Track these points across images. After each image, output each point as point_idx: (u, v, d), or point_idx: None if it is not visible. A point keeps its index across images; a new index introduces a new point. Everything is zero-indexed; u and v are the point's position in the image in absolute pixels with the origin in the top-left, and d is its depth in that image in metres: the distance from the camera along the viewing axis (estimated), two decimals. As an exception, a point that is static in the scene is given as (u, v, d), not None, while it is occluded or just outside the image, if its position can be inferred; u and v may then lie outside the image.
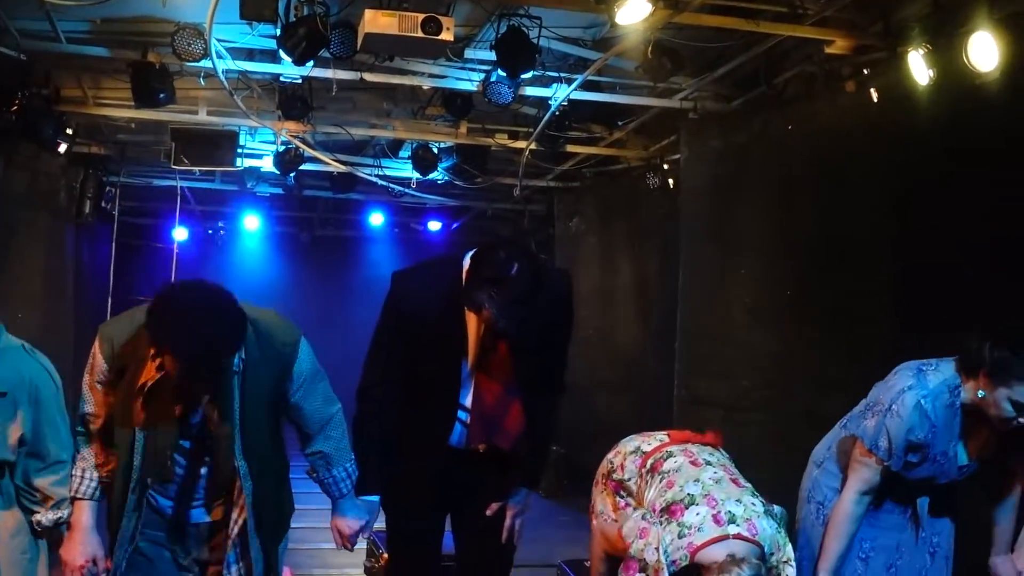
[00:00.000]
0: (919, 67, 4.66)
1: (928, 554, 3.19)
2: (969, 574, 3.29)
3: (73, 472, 2.88)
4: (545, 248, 10.61)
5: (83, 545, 2.84)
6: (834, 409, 5.16)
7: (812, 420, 5.23)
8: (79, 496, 2.86)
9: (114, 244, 9.59)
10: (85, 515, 2.86)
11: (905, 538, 3.18)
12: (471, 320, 2.99)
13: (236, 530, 2.79)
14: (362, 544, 5.14)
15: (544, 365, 3.14)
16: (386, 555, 4.71)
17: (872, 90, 5.14)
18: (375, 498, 3.14)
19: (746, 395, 5.85)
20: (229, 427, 2.71)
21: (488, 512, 3.18)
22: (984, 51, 4.29)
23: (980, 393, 2.89)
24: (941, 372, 2.99)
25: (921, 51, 4.64)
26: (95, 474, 2.85)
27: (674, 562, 2.76)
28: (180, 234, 10.71)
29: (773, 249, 5.87)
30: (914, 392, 2.96)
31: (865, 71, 5.28)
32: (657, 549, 2.78)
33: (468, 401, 3.08)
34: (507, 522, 3.21)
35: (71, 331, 8.07)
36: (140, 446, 2.70)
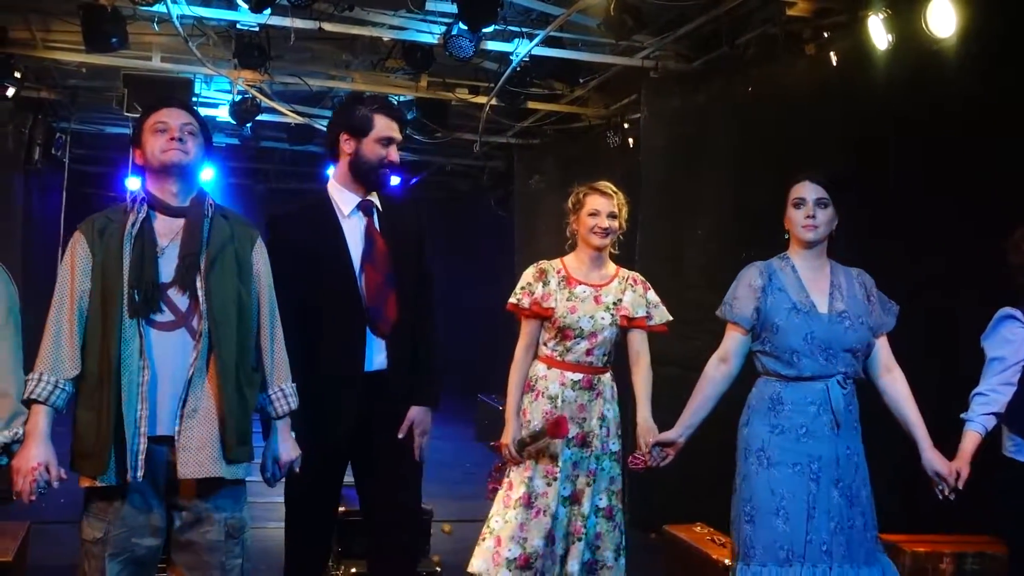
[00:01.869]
0: (878, 31, 4.69)
1: (854, 468, 3.22)
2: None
3: (29, 376, 2.73)
4: (504, 205, 10.61)
5: (36, 448, 2.67)
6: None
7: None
8: (34, 398, 2.70)
9: (64, 192, 9.40)
10: (42, 421, 2.71)
11: (840, 450, 3.19)
12: (350, 229, 3.34)
13: (190, 374, 2.73)
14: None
15: (414, 281, 3.44)
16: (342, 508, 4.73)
17: (832, 53, 5.17)
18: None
19: (699, 355, 5.89)
20: (195, 250, 2.78)
21: (400, 434, 3.38)
22: (942, 17, 4.34)
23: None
24: None
25: (881, 15, 4.67)
26: (54, 378, 2.71)
27: (548, 261, 3.88)
28: (133, 184, 10.52)
29: (730, 210, 5.91)
30: (747, 265, 3.39)
31: (826, 34, 5.31)
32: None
33: (370, 314, 3.30)
34: (421, 441, 3.42)
35: (19, 280, 7.91)
36: (126, 282, 2.72)
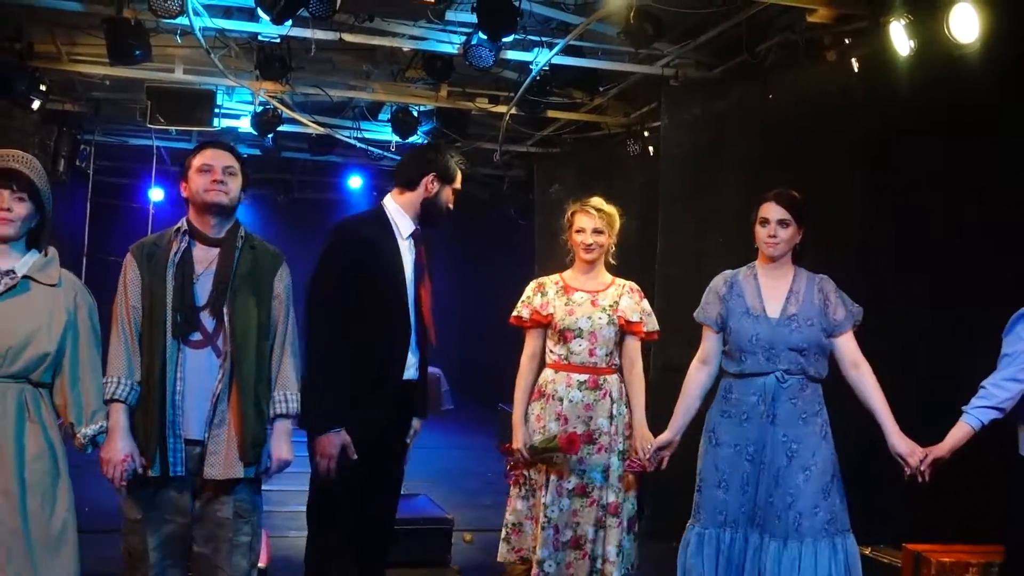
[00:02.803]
0: (900, 37, 4.66)
1: (786, 455, 3.50)
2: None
3: (106, 379, 3.11)
4: (524, 214, 10.60)
5: (123, 441, 3.08)
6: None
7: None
8: (116, 398, 3.09)
9: (89, 203, 9.49)
10: (122, 416, 3.10)
11: (769, 437, 3.51)
12: (405, 250, 3.58)
13: (218, 389, 3.13)
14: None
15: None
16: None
17: (853, 60, 5.14)
18: (340, 430, 3.38)
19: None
20: (224, 279, 3.17)
21: (409, 440, 3.69)
22: (965, 22, 4.30)
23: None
24: None
25: (902, 21, 4.64)
26: (129, 381, 3.12)
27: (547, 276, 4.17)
28: (156, 194, 10.60)
29: (750, 218, 5.87)
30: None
31: (847, 40, 5.28)
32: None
33: (414, 324, 3.56)
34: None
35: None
36: (170, 305, 3.12)
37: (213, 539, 3.18)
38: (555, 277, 4.19)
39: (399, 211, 3.64)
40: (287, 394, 3.28)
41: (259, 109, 7.84)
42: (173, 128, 8.12)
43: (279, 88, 7.17)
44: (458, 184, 3.72)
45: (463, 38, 6.06)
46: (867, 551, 4.05)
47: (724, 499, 3.56)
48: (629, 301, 4.09)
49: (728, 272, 3.75)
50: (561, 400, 4.01)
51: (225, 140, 3.58)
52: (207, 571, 3.20)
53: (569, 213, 4.19)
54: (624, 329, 4.06)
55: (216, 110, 7.86)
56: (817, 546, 3.43)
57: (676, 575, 3.65)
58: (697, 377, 3.72)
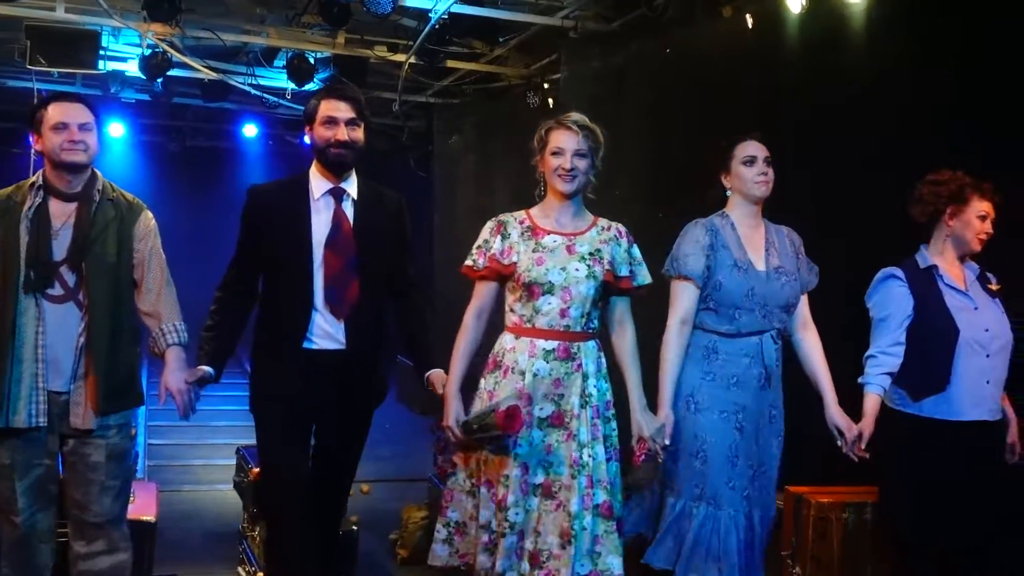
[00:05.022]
0: (793, -5, 4.76)
1: (769, 420, 3.37)
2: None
3: None
4: (423, 165, 10.53)
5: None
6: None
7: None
8: None
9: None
10: None
11: (763, 404, 3.34)
12: (319, 212, 3.36)
13: (80, 342, 3.16)
14: (231, 460, 5.13)
15: (391, 264, 3.48)
16: (256, 469, 4.69)
17: (748, 16, 5.23)
18: (209, 369, 3.34)
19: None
20: (83, 233, 3.16)
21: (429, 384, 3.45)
22: (854, -20, 4.41)
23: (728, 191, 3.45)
24: None
25: (795, -21, 4.73)
26: None
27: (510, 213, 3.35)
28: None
29: (647, 171, 5.97)
30: (689, 223, 3.44)
31: (742, -3, 5.36)
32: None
33: (321, 297, 3.32)
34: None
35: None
36: (24, 261, 3.10)
37: (84, 483, 3.22)
38: (520, 214, 3.33)
39: (314, 173, 3.44)
40: (172, 324, 3.33)
41: (147, 52, 7.52)
42: (55, 70, 7.74)
43: (168, 31, 6.91)
44: (324, 113, 3.36)
45: (361, -17, 5.94)
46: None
47: (702, 470, 3.27)
48: (616, 249, 3.27)
49: (703, 220, 3.41)
50: (523, 374, 3.17)
51: (75, 93, 3.48)
52: (78, 513, 3.24)
53: (543, 131, 3.32)
54: (610, 284, 3.25)
55: (101, 52, 7.50)
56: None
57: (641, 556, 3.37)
58: (680, 340, 3.31)
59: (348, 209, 3.39)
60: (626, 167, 6.14)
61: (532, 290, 3.18)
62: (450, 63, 7.77)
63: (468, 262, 3.33)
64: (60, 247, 3.17)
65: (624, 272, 3.27)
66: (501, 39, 7.29)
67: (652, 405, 3.30)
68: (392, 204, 3.52)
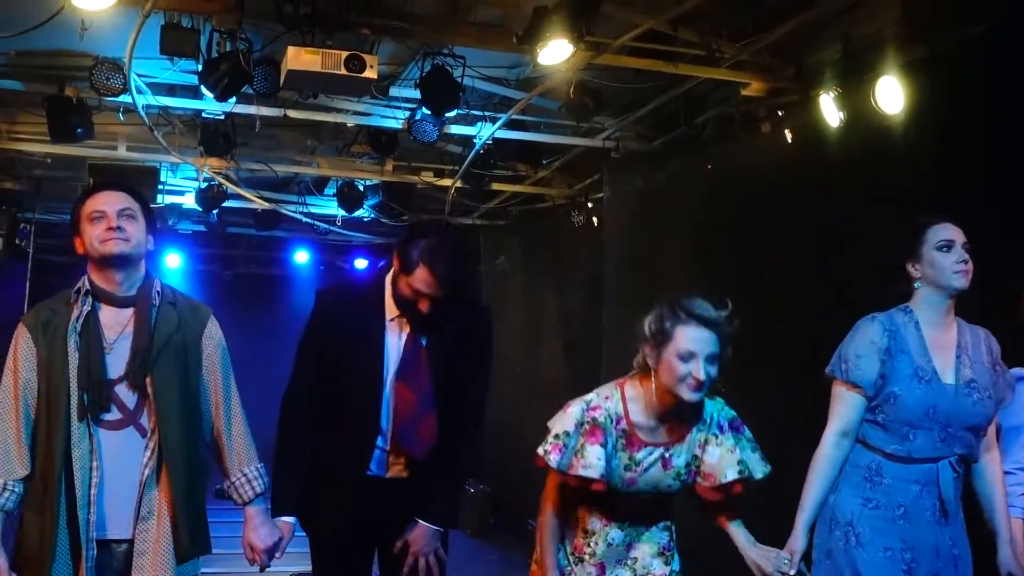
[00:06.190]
0: (830, 109, 4.82)
1: (952, 566, 2.86)
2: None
3: None
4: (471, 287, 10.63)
5: None
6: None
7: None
8: None
9: (28, 283, 9.31)
10: None
11: (942, 542, 2.84)
12: (392, 334, 3.06)
13: (145, 475, 2.68)
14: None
15: (461, 393, 3.15)
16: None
17: (787, 131, 5.30)
18: (291, 519, 3.06)
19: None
20: (143, 345, 2.70)
21: (395, 550, 3.12)
22: (891, 94, 4.47)
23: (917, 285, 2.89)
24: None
25: (832, 94, 4.80)
26: (1, 480, 2.63)
27: (607, 397, 2.72)
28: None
29: (693, 286, 5.96)
30: (865, 317, 2.94)
31: (780, 113, 5.45)
32: (576, 405, 2.75)
33: (388, 425, 3.07)
34: (420, 562, 3.12)
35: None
36: (75, 384, 2.63)
37: None
38: (616, 409, 2.75)
39: (389, 288, 3.06)
40: (255, 469, 2.89)
41: (203, 185, 7.82)
42: (116, 205, 8.05)
43: (224, 164, 7.17)
44: (416, 281, 2.93)
45: (407, 113, 6.14)
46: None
47: None
48: (719, 451, 2.75)
49: (880, 316, 2.88)
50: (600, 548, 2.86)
51: (116, 181, 2.93)
52: None
53: (667, 323, 2.66)
54: (709, 493, 2.78)
55: (160, 187, 7.83)
56: None
57: None
58: (836, 456, 2.86)
59: (417, 333, 3.05)
60: (673, 282, 6.16)
61: (616, 497, 2.81)
62: (495, 186, 7.94)
63: (541, 450, 2.77)
64: (116, 362, 2.70)
65: (731, 476, 2.73)
66: (544, 161, 7.45)
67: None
68: (474, 321, 3.16)
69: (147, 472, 2.70)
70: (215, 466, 2.97)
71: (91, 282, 2.76)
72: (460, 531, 7.93)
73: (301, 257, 11.78)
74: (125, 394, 2.71)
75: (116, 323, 2.74)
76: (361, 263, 12.11)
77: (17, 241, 8.69)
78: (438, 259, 2.91)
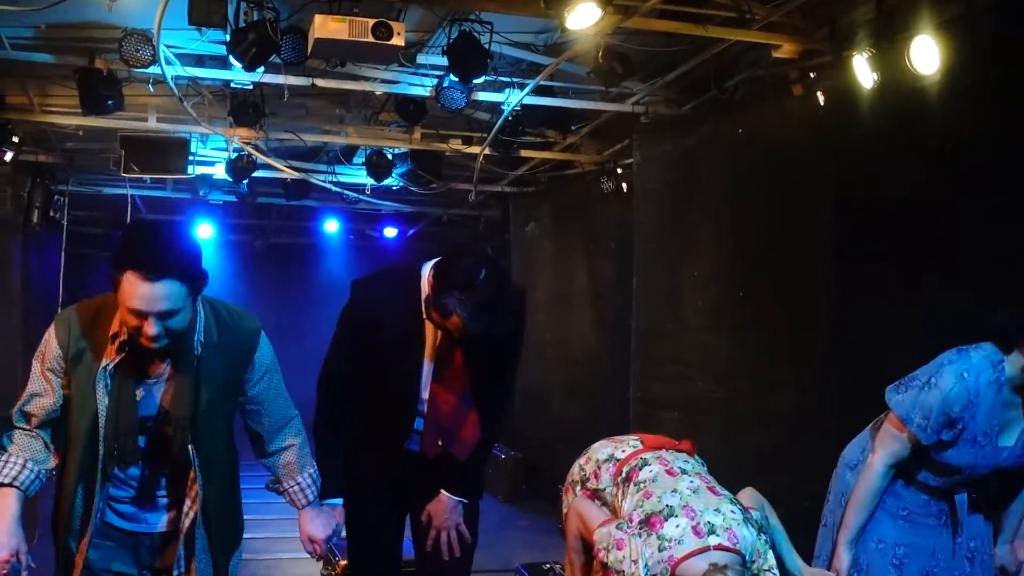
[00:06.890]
0: (864, 71, 4.74)
1: (966, 559, 3.04)
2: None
3: (6, 457, 2.58)
4: (501, 253, 10.64)
5: (8, 537, 2.50)
6: (785, 409, 5.26)
7: (764, 421, 5.32)
8: (10, 483, 2.54)
9: (63, 254, 9.43)
10: (13, 504, 2.53)
11: (942, 544, 3.03)
12: (428, 330, 3.07)
13: (186, 526, 2.65)
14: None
15: (494, 375, 3.19)
16: (343, 562, 4.69)
17: (819, 93, 5.22)
18: (338, 501, 3.14)
19: (701, 397, 5.91)
20: (184, 413, 2.58)
21: (423, 518, 3.21)
22: (925, 55, 4.38)
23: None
24: (982, 349, 2.87)
25: (865, 55, 4.72)
26: (36, 467, 2.59)
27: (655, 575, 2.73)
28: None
29: (725, 251, 5.93)
30: (955, 366, 2.86)
31: (812, 75, 5.36)
32: (636, 562, 2.72)
33: (424, 408, 3.12)
34: (441, 536, 3.19)
35: (18, 341, 7.92)
36: (102, 432, 2.53)
37: None
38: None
39: (425, 289, 3.02)
40: (309, 476, 2.94)
41: (233, 155, 7.85)
42: (148, 176, 8.12)
43: (253, 134, 7.19)
44: (451, 327, 2.94)
45: (435, 81, 6.11)
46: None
47: None
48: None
49: (969, 378, 2.81)
50: None
51: (166, 258, 2.45)
52: None
53: None
54: None
55: (190, 157, 7.87)
56: None
57: None
58: (883, 486, 2.98)
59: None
60: (703, 248, 6.13)
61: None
62: (524, 152, 7.91)
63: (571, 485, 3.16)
64: (149, 404, 2.60)
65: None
66: (573, 127, 7.40)
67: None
68: (509, 312, 3.06)
69: (186, 523, 2.66)
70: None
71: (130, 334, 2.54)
72: (492, 497, 8.00)
73: (331, 226, 11.83)
74: (162, 434, 2.62)
75: (154, 370, 2.62)
76: (391, 231, 12.13)
77: (52, 213, 8.79)
78: (474, 317, 2.87)
